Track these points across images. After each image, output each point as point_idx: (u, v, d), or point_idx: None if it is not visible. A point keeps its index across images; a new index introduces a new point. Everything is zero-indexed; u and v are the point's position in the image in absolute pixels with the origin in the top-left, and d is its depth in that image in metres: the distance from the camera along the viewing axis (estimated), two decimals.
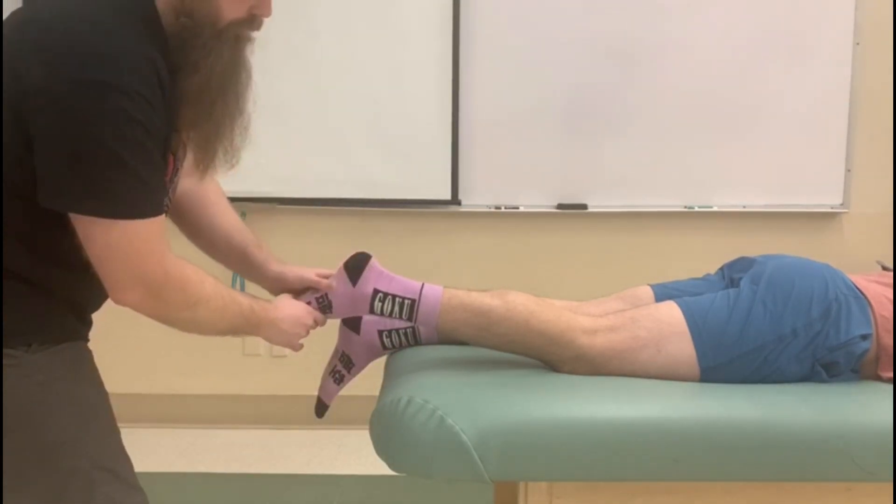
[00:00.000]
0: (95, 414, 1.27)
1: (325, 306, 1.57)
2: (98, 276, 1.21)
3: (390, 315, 1.54)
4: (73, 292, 1.26)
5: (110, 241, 1.14)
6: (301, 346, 1.55)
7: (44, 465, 1.19)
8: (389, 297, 1.53)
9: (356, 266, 1.56)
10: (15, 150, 1.13)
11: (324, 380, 1.63)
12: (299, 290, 1.59)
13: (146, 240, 1.17)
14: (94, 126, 1.09)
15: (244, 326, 1.40)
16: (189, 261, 1.29)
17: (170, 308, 1.24)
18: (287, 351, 1.58)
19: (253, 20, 1.30)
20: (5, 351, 1.17)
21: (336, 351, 1.64)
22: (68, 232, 1.17)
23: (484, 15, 3.12)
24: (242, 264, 1.61)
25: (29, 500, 1.20)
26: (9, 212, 1.17)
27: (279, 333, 1.49)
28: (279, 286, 1.60)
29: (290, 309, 1.52)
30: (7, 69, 1.13)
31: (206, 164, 1.35)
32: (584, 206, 3.22)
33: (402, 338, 1.61)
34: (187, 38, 1.22)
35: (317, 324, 1.57)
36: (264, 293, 1.60)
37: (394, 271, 1.60)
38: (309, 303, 1.57)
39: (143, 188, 1.16)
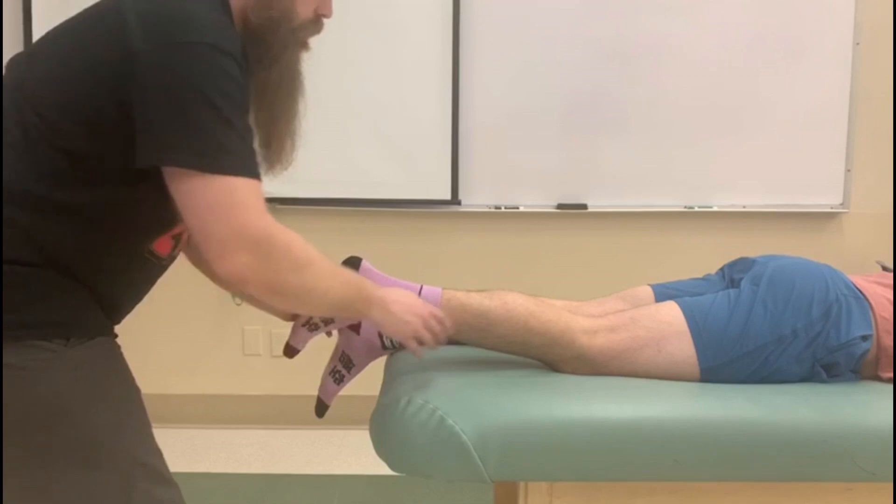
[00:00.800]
0: (131, 409, 1.26)
1: (325, 318, 1.56)
2: (137, 278, 1.23)
3: None
4: (112, 288, 1.25)
5: (213, 196, 1.11)
6: (419, 346, 1.39)
7: (82, 462, 1.18)
8: None
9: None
10: (104, 115, 1.14)
11: (324, 380, 1.63)
12: None
13: (248, 196, 1.13)
14: (199, 82, 1.11)
15: (355, 301, 1.30)
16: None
17: (279, 272, 1.17)
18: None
19: (317, 21, 1.34)
20: (43, 344, 1.15)
21: (336, 351, 1.64)
22: (121, 223, 1.18)
23: (484, 15, 3.12)
24: None
25: (66, 498, 1.18)
26: (65, 199, 1.16)
27: (390, 317, 1.34)
28: None
29: (399, 295, 1.38)
30: (110, 35, 1.15)
31: (273, 160, 1.35)
32: (584, 206, 3.22)
33: None
34: (266, 32, 1.25)
35: (434, 318, 1.40)
36: (273, 319, 1.60)
37: (394, 271, 1.60)
38: (310, 318, 1.55)
39: (243, 146, 1.15)
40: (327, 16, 1.35)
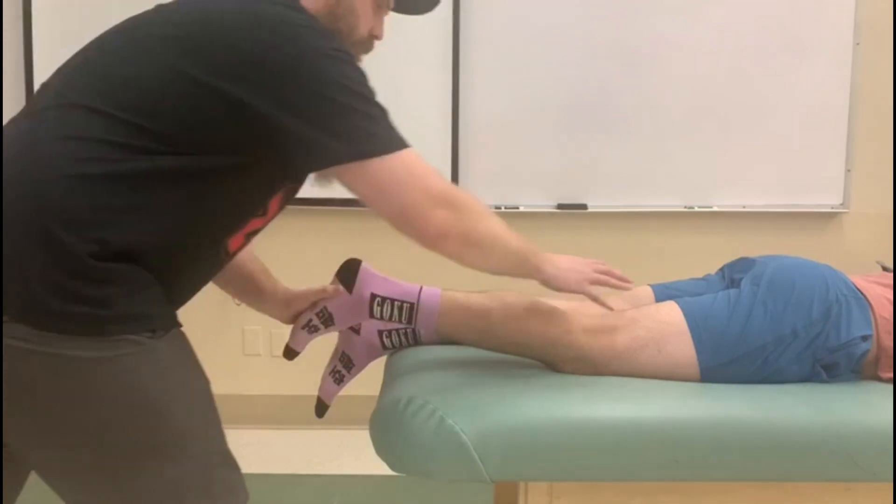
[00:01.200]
0: (207, 398, 1.28)
1: (325, 319, 1.56)
2: (203, 272, 1.28)
3: (389, 319, 1.53)
4: (182, 280, 1.27)
5: (398, 172, 1.20)
6: (593, 290, 1.44)
7: (169, 454, 1.19)
8: (388, 301, 1.53)
9: (348, 273, 1.55)
10: (215, 121, 1.16)
11: (324, 380, 1.63)
12: (305, 309, 1.57)
13: (422, 163, 1.23)
14: (344, 81, 1.18)
15: (530, 256, 1.38)
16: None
17: (471, 220, 1.26)
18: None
19: (369, 42, 1.40)
20: (133, 337, 1.16)
21: (336, 351, 1.64)
22: (207, 214, 1.21)
23: (484, 15, 3.12)
24: (252, 292, 1.58)
25: (149, 490, 1.19)
26: (153, 196, 1.17)
27: (561, 270, 1.43)
28: (290, 310, 1.58)
29: (554, 254, 1.47)
30: (223, 43, 1.16)
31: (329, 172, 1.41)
32: (584, 206, 3.22)
33: (403, 338, 1.61)
34: None
35: (598, 262, 1.48)
36: (273, 319, 1.60)
37: (394, 272, 1.60)
38: (310, 320, 1.55)
39: (393, 124, 1.23)
40: (378, 37, 1.41)
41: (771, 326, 1.46)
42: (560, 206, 3.21)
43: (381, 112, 1.22)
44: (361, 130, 1.18)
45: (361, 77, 1.22)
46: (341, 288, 1.55)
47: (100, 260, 1.12)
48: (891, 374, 1.49)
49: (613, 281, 1.46)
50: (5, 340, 1.09)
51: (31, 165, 1.14)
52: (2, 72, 3.11)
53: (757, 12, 3.15)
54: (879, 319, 1.49)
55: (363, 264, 1.56)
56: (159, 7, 1.25)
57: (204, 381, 1.27)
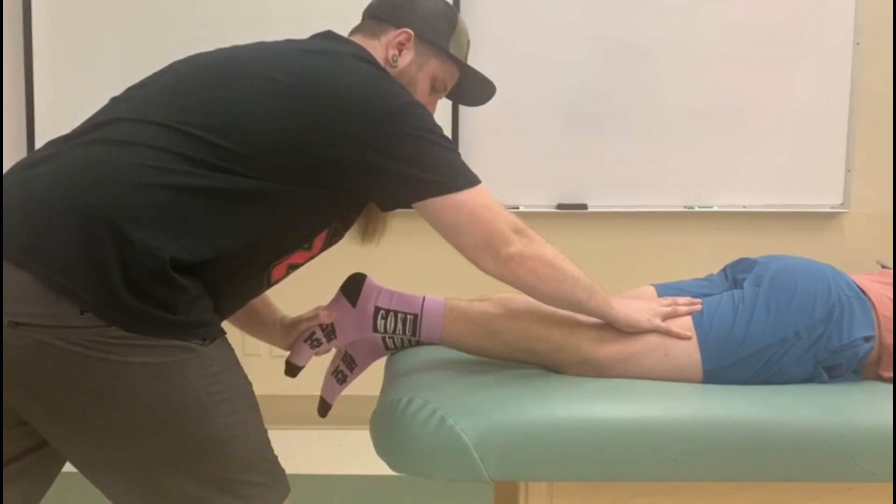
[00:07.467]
0: (252, 400, 1.32)
1: (328, 332, 1.55)
2: (245, 296, 1.33)
3: (394, 332, 1.53)
4: (227, 302, 1.31)
5: (481, 201, 1.32)
6: (658, 322, 1.47)
7: (212, 452, 1.23)
8: (392, 313, 1.52)
9: (353, 287, 1.55)
10: (301, 160, 1.25)
11: (326, 380, 1.63)
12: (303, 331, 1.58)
13: (491, 196, 1.35)
14: (434, 127, 1.33)
15: (597, 289, 1.42)
16: None
17: (540, 242, 1.36)
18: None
19: None
20: (186, 344, 1.20)
21: (339, 351, 1.63)
22: (263, 243, 1.28)
23: (484, 15, 3.12)
24: (253, 323, 1.61)
25: (190, 487, 1.23)
26: (228, 214, 1.22)
27: (629, 308, 1.47)
28: (290, 337, 1.59)
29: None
30: (333, 112, 1.25)
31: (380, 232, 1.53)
32: (584, 206, 3.22)
33: (404, 338, 1.61)
34: None
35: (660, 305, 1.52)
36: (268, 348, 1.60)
37: (395, 272, 1.60)
38: (313, 332, 1.55)
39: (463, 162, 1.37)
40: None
41: (774, 328, 1.45)
42: (560, 206, 3.21)
43: (455, 153, 1.35)
44: (450, 167, 1.32)
45: (436, 123, 1.34)
46: (343, 300, 1.54)
47: (175, 267, 1.17)
48: (891, 374, 1.49)
49: (683, 309, 1.50)
50: (58, 344, 1.13)
51: (111, 170, 1.18)
52: (1, 73, 3.11)
53: (757, 12, 3.15)
54: (882, 318, 1.49)
55: (368, 278, 1.56)
56: (259, 48, 1.35)
57: (247, 384, 1.32)
